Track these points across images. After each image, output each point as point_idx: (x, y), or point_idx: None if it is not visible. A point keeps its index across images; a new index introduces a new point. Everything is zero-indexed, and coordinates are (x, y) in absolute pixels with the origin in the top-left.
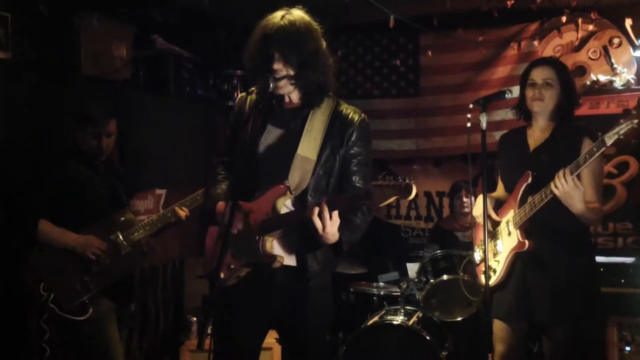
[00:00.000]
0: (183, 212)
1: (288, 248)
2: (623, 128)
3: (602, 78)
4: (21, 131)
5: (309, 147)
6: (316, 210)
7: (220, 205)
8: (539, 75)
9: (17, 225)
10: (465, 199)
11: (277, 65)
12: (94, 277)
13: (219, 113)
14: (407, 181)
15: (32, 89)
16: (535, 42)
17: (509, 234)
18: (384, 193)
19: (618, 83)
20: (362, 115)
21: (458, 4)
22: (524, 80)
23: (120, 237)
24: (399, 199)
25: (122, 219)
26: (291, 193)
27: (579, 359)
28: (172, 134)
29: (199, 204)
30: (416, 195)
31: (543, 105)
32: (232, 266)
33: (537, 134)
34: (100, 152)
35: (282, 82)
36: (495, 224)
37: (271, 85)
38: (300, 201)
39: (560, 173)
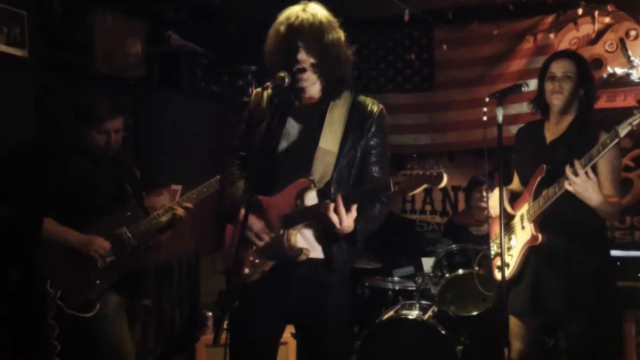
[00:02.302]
0: (180, 211)
1: (312, 241)
2: (636, 119)
3: (619, 71)
4: (36, 128)
5: (330, 139)
6: (331, 206)
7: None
8: (559, 68)
9: (24, 223)
10: (485, 193)
11: (301, 56)
12: (100, 273)
13: (234, 109)
14: (437, 170)
15: (47, 87)
16: (551, 35)
17: (523, 227)
18: (413, 182)
19: (635, 76)
20: (380, 106)
21: None
22: (543, 74)
23: (126, 232)
24: (433, 187)
25: (129, 214)
26: (315, 186)
27: (595, 354)
28: (187, 130)
29: (205, 196)
30: (431, 189)
31: (562, 98)
32: (256, 261)
33: (554, 128)
34: (109, 148)
35: (306, 74)
36: (510, 218)
37: (286, 80)
38: (324, 194)
39: (569, 170)
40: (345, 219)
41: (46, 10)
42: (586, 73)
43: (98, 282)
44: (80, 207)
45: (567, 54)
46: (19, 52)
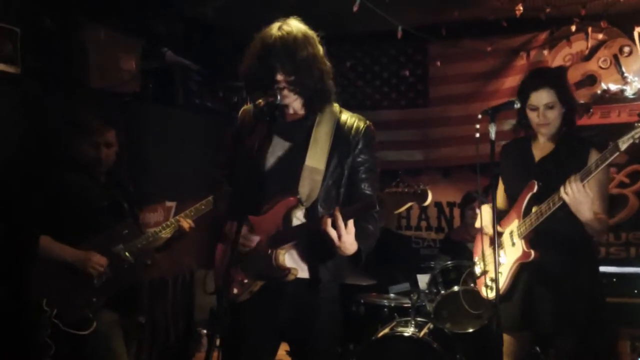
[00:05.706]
0: (187, 224)
1: (300, 260)
2: (638, 132)
3: (613, 87)
4: (30, 145)
5: (316, 157)
6: (329, 221)
7: (231, 225)
8: (540, 100)
9: (18, 239)
10: (477, 210)
11: (280, 76)
12: (96, 290)
13: (228, 125)
14: (422, 187)
15: (41, 103)
16: (545, 52)
17: (513, 244)
18: (398, 200)
19: (629, 92)
20: (367, 122)
21: (466, 13)
22: (523, 101)
23: (123, 249)
24: (418, 205)
25: (125, 231)
26: (302, 204)
27: None
28: (181, 146)
29: (203, 214)
30: (426, 205)
31: (550, 127)
32: (245, 281)
33: (542, 145)
34: (100, 162)
35: (285, 92)
36: (498, 235)
37: (278, 97)
38: (312, 212)
39: (572, 179)
40: (345, 234)
41: (40, 27)
42: (565, 92)
43: (94, 299)
44: (75, 223)
45: (542, 80)
46: (11, 69)
